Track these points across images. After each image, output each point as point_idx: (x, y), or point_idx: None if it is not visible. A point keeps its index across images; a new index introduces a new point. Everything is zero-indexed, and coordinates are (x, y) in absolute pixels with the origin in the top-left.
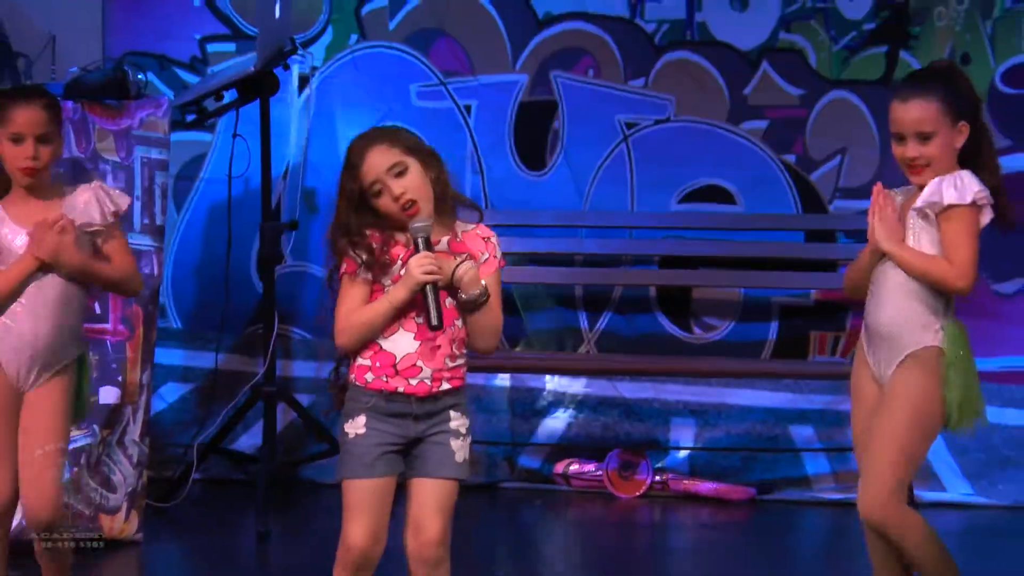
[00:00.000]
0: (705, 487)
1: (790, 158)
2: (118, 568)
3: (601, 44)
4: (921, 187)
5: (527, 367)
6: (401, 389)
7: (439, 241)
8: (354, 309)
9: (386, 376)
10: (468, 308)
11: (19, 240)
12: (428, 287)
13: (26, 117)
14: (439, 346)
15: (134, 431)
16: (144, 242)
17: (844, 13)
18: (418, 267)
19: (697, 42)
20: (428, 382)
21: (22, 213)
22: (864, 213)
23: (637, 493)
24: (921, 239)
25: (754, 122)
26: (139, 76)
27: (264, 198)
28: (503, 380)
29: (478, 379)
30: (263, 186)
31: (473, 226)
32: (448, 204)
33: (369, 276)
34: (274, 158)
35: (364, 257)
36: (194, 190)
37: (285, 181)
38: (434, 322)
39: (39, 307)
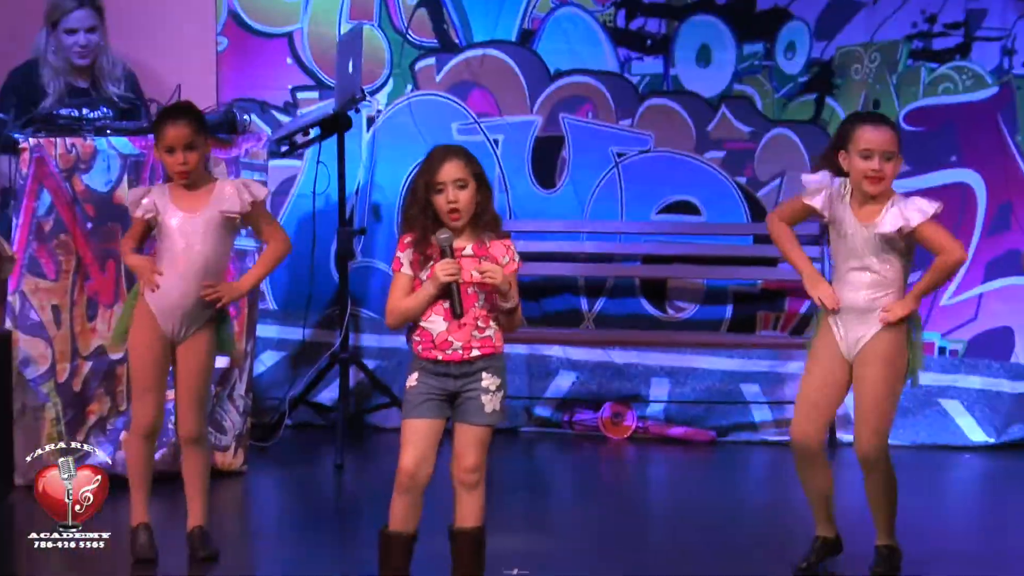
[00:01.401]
0: (676, 431)
1: (742, 180)
2: (230, 493)
3: (598, 93)
4: (872, 196)
5: (541, 339)
6: (440, 358)
7: (464, 247)
8: (399, 299)
9: (429, 348)
10: (503, 305)
11: (174, 220)
12: (452, 285)
13: (174, 133)
14: (464, 324)
15: (241, 388)
16: (248, 244)
17: (783, 69)
18: (442, 271)
19: (671, 91)
20: (460, 352)
21: (180, 198)
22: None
23: (625, 436)
24: (888, 251)
25: (714, 152)
26: (244, 117)
27: (340, 210)
28: (522, 348)
29: (506, 349)
30: (339, 201)
31: (499, 238)
32: (483, 221)
33: (410, 273)
34: (348, 180)
35: (415, 253)
36: (286, 204)
37: (356, 197)
38: (457, 313)
39: (189, 276)
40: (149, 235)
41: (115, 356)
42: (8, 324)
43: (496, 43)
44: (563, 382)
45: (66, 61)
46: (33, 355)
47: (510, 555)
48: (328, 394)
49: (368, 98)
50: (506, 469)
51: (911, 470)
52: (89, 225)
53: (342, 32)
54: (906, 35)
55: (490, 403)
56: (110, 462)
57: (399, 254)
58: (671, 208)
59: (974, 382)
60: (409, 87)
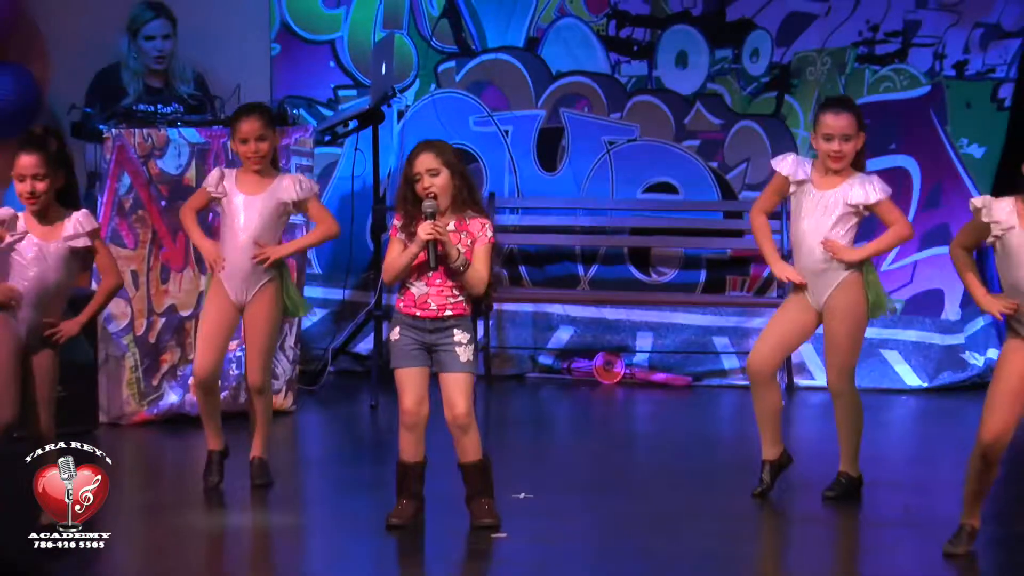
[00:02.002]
0: (658, 377)
1: (714, 164)
2: (281, 429)
3: (592, 91)
4: (836, 171)
5: (544, 298)
6: (418, 314)
7: (448, 223)
8: (393, 259)
9: (410, 306)
10: (451, 273)
11: (237, 200)
12: (429, 244)
13: (248, 126)
14: (441, 290)
15: (291, 339)
16: (298, 218)
17: (748, 71)
18: (423, 230)
19: (654, 89)
20: (435, 310)
21: (245, 183)
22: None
23: (615, 381)
24: (845, 220)
25: (690, 141)
26: (294, 111)
27: (375, 190)
28: (528, 307)
29: (514, 307)
30: (374, 182)
31: (478, 216)
32: (464, 202)
33: (403, 237)
34: (381, 164)
35: (403, 225)
36: (329, 185)
37: (388, 179)
38: (432, 265)
39: (246, 248)
40: (206, 208)
41: (184, 313)
42: (94, 286)
43: (506, 48)
44: (563, 335)
45: (144, 65)
46: (115, 312)
47: (518, 481)
48: (364, 345)
49: (398, 95)
50: (513, 409)
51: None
52: (163, 203)
53: (376, 39)
54: (853, 42)
55: (464, 353)
56: (178, 401)
57: (395, 224)
58: (654, 188)
59: (910, 335)
60: (433, 86)
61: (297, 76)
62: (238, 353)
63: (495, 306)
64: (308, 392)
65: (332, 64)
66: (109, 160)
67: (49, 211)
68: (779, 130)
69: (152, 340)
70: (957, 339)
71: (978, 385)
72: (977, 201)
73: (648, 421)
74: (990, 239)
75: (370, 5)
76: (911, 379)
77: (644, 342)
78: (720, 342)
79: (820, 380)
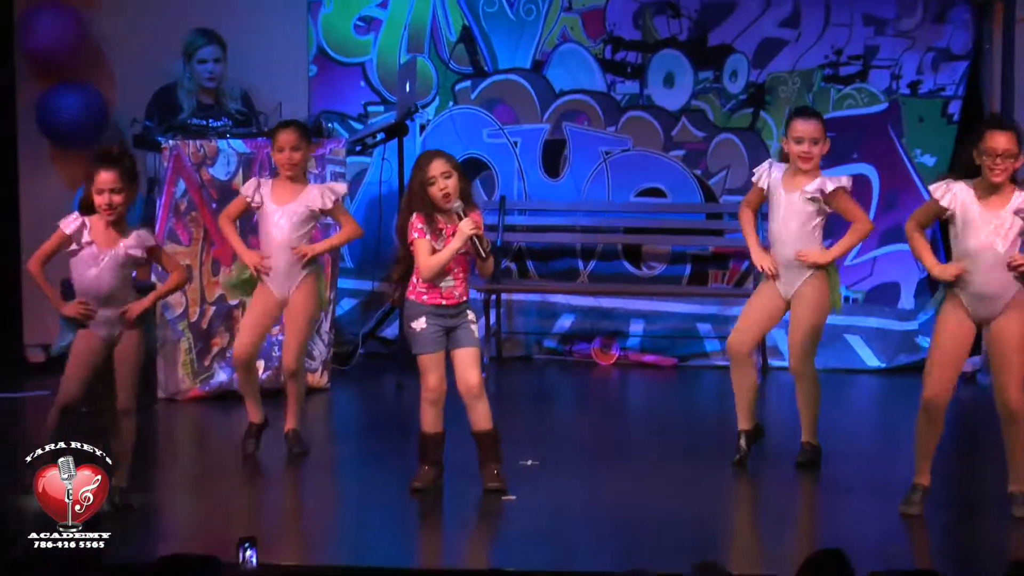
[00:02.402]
0: (648, 358)
1: (697, 172)
2: (317, 404)
3: (590, 107)
4: (805, 172)
5: (548, 289)
6: (444, 303)
7: (467, 214)
8: (430, 257)
9: (436, 297)
10: (482, 260)
11: (271, 207)
12: (474, 237)
13: (284, 137)
14: (462, 280)
15: (325, 325)
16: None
17: (728, 89)
18: (467, 227)
19: (645, 106)
20: (458, 296)
21: (279, 192)
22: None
23: (610, 362)
24: (811, 218)
25: (677, 151)
26: (329, 124)
27: (399, 193)
28: (535, 297)
29: (522, 297)
30: (399, 187)
31: (474, 209)
32: (470, 198)
33: (430, 238)
34: (405, 171)
35: (428, 226)
36: (359, 189)
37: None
38: (483, 256)
39: (281, 248)
40: (244, 214)
41: (232, 303)
42: (153, 278)
43: (515, 70)
44: (565, 322)
45: (197, 84)
46: (171, 302)
47: (524, 449)
48: (391, 331)
49: (420, 111)
50: (521, 386)
51: (823, 388)
52: (213, 205)
53: (401, 62)
54: (819, 64)
55: (475, 328)
56: (226, 379)
57: (419, 226)
58: (645, 192)
59: (871, 322)
60: (451, 103)
61: (331, 94)
62: (280, 337)
63: (504, 296)
64: (340, 372)
65: (362, 83)
66: (167, 168)
67: (117, 222)
68: (755, 142)
69: (204, 326)
70: (912, 325)
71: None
72: (937, 189)
73: (639, 397)
74: (947, 214)
75: (395, 32)
76: (872, 360)
77: (636, 328)
78: (703, 328)
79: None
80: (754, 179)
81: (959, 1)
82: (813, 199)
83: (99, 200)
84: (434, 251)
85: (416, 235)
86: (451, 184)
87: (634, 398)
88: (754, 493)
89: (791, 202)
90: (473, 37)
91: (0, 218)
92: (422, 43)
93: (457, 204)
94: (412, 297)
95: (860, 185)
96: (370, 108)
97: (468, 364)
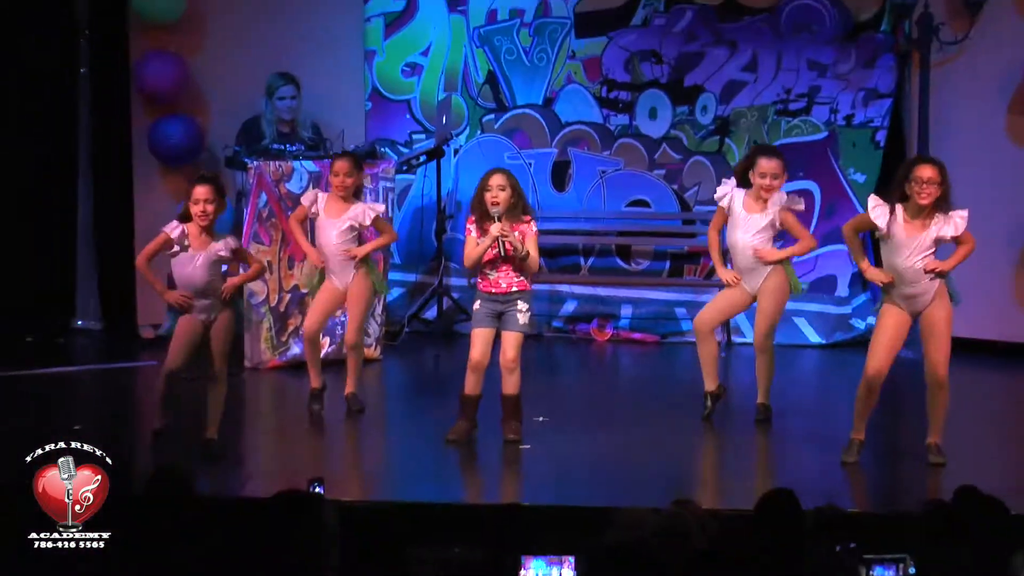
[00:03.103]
0: (636, 335)
1: (675, 187)
2: (371, 372)
3: (590, 135)
4: (765, 200)
5: (556, 280)
6: (494, 291)
7: (515, 224)
8: (470, 251)
9: (487, 286)
10: (516, 259)
11: (323, 218)
12: (499, 238)
13: (340, 165)
14: (507, 274)
15: (379, 309)
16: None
17: (699, 121)
18: (494, 229)
19: (633, 134)
20: (504, 287)
21: (331, 206)
22: (710, 214)
23: (605, 339)
24: (765, 232)
25: (659, 170)
26: (382, 149)
27: (437, 204)
28: (545, 287)
29: (535, 287)
30: (437, 198)
31: (526, 219)
32: (516, 211)
33: (475, 236)
34: (443, 186)
35: (476, 228)
36: (406, 201)
37: (447, 197)
38: (502, 254)
39: (335, 250)
40: (307, 219)
41: (304, 291)
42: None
43: (530, 105)
44: (569, 306)
45: (277, 117)
46: (256, 290)
47: (537, 408)
48: (430, 313)
49: (454, 138)
50: (534, 358)
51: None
52: (288, 213)
53: (439, 99)
54: (773, 101)
55: (522, 318)
56: (299, 352)
57: (469, 227)
58: (633, 203)
59: (813, 307)
60: (478, 132)
61: (383, 124)
62: (343, 319)
63: None
64: (391, 346)
65: (408, 116)
66: (252, 184)
67: (209, 228)
68: (721, 163)
69: (281, 309)
70: (846, 309)
71: (860, 342)
72: (870, 204)
73: (629, 367)
74: (878, 233)
75: (434, 75)
76: (814, 338)
77: (626, 311)
78: (680, 311)
79: (750, 338)
80: (719, 200)
81: (884, 50)
82: (772, 222)
83: (195, 209)
84: (478, 257)
85: (467, 231)
86: (501, 196)
87: (624, 368)
88: (719, 443)
89: (751, 220)
90: (496, 79)
91: (118, 224)
92: (456, 83)
93: (495, 210)
94: (476, 283)
95: (805, 198)
96: (414, 136)
97: (509, 344)
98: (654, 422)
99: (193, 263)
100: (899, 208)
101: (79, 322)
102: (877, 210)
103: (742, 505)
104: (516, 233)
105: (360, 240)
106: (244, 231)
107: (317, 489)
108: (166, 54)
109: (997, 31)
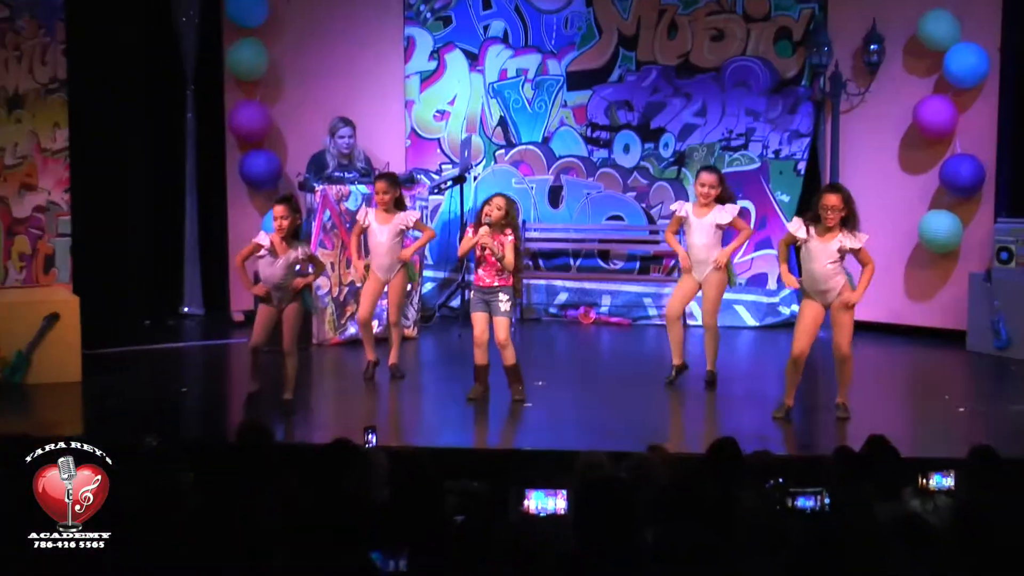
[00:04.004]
0: (614, 319)
1: (643, 205)
2: (411, 347)
3: (578, 165)
4: (705, 206)
5: (551, 277)
6: (481, 285)
7: (493, 233)
8: (461, 246)
9: (478, 280)
10: (496, 260)
11: (374, 226)
12: (482, 242)
13: (380, 185)
14: (490, 272)
15: (415, 297)
16: (417, 234)
17: (662, 155)
18: (478, 234)
19: (612, 165)
20: (487, 281)
21: (379, 217)
22: (667, 224)
23: (590, 322)
24: (713, 233)
25: (631, 193)
26: (418, 176)
27: (461, 219)
28: (543, 282)
29: (535, 282)
30: (460, 215)
31: (507, 231)
32: (502, 225)
33: (470, 235)
34: (465, 206)
35: (472, 232)
36: (437, 216)
37: (468, 213)
38: (478, 253)
39: (383, 252)
40: (363, 232)
41: (358, 285)
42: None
43: (531, 142)
44: (562, 297)
45: (338, 151)
46: (321, 283)
47: (537, 374)
48: (455, 302)
49: (473, 167)
50: (534, 337)
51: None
52: (347, 226)
53: (462, 138)
54: (719, 140)
55: (504, 305)
56: (355, 332)
57: (468, 232)
58: (611, 218)
59: (749, 297)
60: (492, 162)
61: (419, 157)
62: (385, 305)
63: (525, 280)
64: (425, 327)
65: (438, 151)
66: (318, 203)
67: (287, 238)
68: (679, 187)
69: (341, 299)
70: (774, 299)
71: (786, 324)
72: (792, 224)
73: (608, 344)
74: (798, 243)
75: (458, 119)
76: (750, 321)
77: (605, 301)
78: (647, 302)
79: (699, 321)
80: (675, 210)
81: (804, 100)
82: (717, 224)
83: (275, 224)
84: (473, 251)
85: (466, 233)
86: (495, 214)
87: (604, 344)
88: (679, 402)
89: (700, 223)
90: (506, 122)
91: (216, 233)
92: (475, 125)
93: (486, 220)
94: (472, 279)
95: (744, 214)
96: (443, 166)
97: (498, 327)
98: (628, 386)
99: (275, 265)
100: (812, 226)
101: (186, 308)
102: (798, 229)
103: (696, 450)
104: (496, 241)
105: (402, 244)
106: (312, 239)
107: (370, 436)
108: (252, 103)
109: (890, 86)
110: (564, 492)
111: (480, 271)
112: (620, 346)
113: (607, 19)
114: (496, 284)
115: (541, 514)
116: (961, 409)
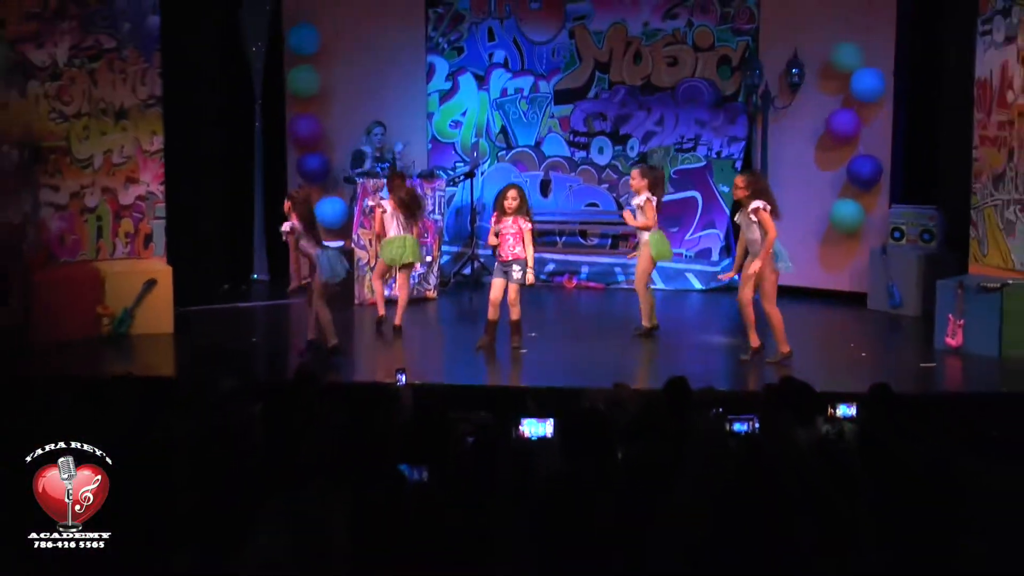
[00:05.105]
0: (591, 284)
1: (614, 195)
2: (431, 306)
3: (563, 164)
4: (636, 191)
5: (542, 251)
6: (501, 258)
7: (513, 220)
8: (492, 240)
9: (498, 255)
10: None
11: (390, 211)
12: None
13: (397, 181)
14: (508, 250)
15: (436, 267)
16: (435, 218)
17: (629, 155)
18: (529, 277)
19: (589, 163)
20: (505, 256)
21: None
22: (631, 208)
23: (573, 287)
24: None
25: (605, 185)
26: (437, 172)
27: (471, 205)
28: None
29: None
30: (471, 203)
31: (524, 217)
32: (522, 212)
33: (493, 226)
34: (474, 195)
35: (495, 219)
36: (452, 204)
37: (477, 201)
38: (499, 240)
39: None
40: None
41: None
42: (353, 245)
43: (526, 145)
44: (550, 267)
45: (373, 148)
46: (360, 256)
47: (531, 327)
48: (467, 270)
49: (481, 164)
50: (527, 299)
51: (672, 300)
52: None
53: (472, 141)
54: (673, 143)
55: (516, 275)
56: (388, 293)
57: (493, 218)
58: (589, 205)
59: (696, 267)
60: (496, 162)
61: (438, 157)
62: (421, 269)
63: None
64: (442, 290)
65: (453, 152)
66: (359, 193)
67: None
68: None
69: (373, 265)
70: (717, 269)
71: (726, 289)
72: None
73: (588, 305)
74: (736, 219)
75: (469, 127)
76: (697, 285)
77: (584, 270)
78: (617, 271)
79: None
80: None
81: (740, 112)
82: (639, 205)
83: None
84: (496, 233)
85: (492, 220)
86: (511, 203)
87: (583, 304)
88: (642, 350)
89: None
90: (506, 130)
91: (279, 219)
92: (482, 132)
93: (511, 213)
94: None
95: (692, 204)
96: (457, 164)
97: (511, 290)
98: (603, 337)
99: (306, 254)
100: (740, 208)
101: (255, 275)
102: (736, 215)
103: (655, 386)
104: (516, 226)
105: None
106: (354, 221)
107: (400, 376)
108: (308, 115)
109: (808, 101)
110: (552, 420)
111: (500, 251)
112: (595, 307)
113: (586, 49)
114: (511, 258)
115: (533, 438)
116: (863, 354)
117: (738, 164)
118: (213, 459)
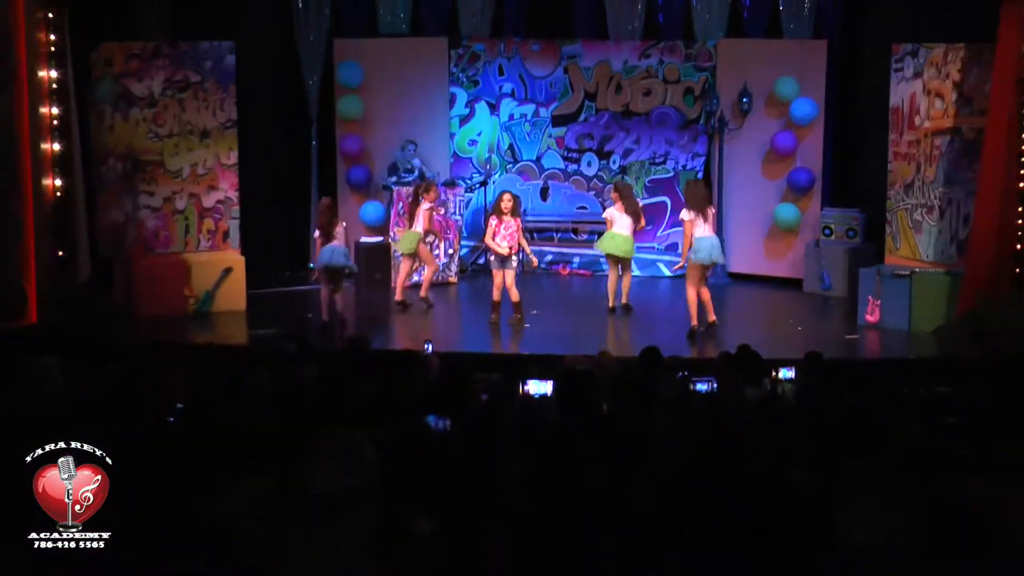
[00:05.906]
0: (582, 272)
1: (600, 200)
2: (452, 289)
3: (559, 174)
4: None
5: (541, 245)
6: (502, 252)
7: (510, 220)
8: (489, 240)
9: (500, 248)
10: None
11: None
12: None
13: (425, 185)
14: (507, 246)
15: (456, 258)
16: (456, 218)
17: (611, 168)
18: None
19: (579, 174)
20: (507, 250)
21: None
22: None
23: (567, 273)
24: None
25: (592, 192)
26: (458, 181)
27: (484, 208)
28: (537, 248)
29: (533, 248)
30: (484, 206)
31: (517, 218)
32: (518, 210)
33: (492, 226)
34: (488, 200)
35: (496, 219)
36: (470, 207)
37: (490, 204)
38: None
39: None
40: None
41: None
42: (391, 239)
43: (529, 160)
44: (548, 257)
45: (407, 161)
46: (395, 247)
47: (532, 305)
48: (481, 260)
49: (493, 175)
50: (530, 283)
51: (647, 284)
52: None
53: (485, 157)
54: (648, 158)
55: (514, 264)
56: (419, 278)
57: (492, 221)
58: (580, 208)
59: (666, 259)
60: (504, 172)
61: (459, 169)
62: (444, 259)
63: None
64: (461, 276)
65: (471, 165)
66: (395, 198)
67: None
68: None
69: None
70: (680, 260)
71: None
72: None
73: (578, 288)
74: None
75: (483, 146)
76: (666, 273)
77: (576, 260)
78: (602, 261)
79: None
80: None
81: (701, 133)
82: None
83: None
84: (495, 233)
85: (488, 223)
86: (506, 205)
87: (575, 288)
88: (623, 323)
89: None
90: (513, 147)
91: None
92: (494, 148)
93: (507, 214)
94: (495, 248)
95: (664, 207)
96: (474, 175)
97: (510, 278)
98: (589, 313)
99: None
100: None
101: (311, 264)
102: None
103: (632, 354)
104: (513, 224)
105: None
106: (391, 222)
107: (427, 345)
108: (355, 135)
109: (755, 124)
110: (552, 381)
111: (499, 245)
112: (586, 290)
113: (577, 82)
114: (509, 253)
115: (536, 395)
116: (800, 328)
117: (699, 175)
118: (277, 406)
